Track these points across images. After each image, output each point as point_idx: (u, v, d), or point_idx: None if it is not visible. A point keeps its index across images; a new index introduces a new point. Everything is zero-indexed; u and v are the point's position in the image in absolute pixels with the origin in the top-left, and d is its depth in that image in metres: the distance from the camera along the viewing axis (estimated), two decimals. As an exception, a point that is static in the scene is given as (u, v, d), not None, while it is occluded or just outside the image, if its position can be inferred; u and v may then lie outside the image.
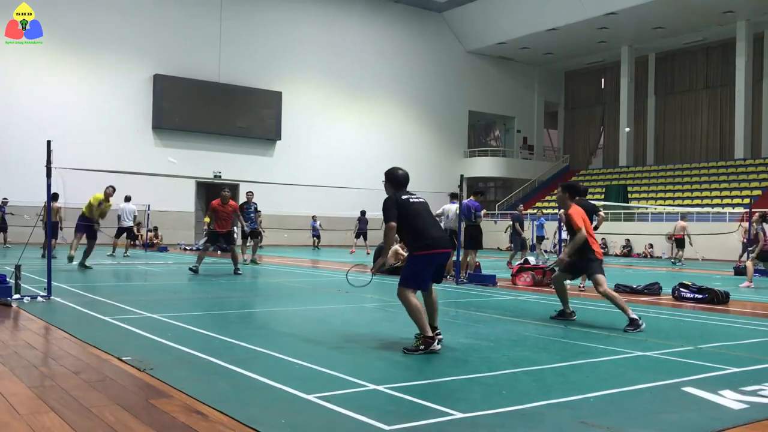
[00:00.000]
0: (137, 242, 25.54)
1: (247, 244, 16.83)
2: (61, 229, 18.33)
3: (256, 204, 16.57)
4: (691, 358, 5.37)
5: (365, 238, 24.07)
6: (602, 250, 8.93)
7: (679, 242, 22.20)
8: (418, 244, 5.63)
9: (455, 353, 5.43)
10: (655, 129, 38.21)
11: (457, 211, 12.40)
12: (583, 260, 7.10)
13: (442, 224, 11.98)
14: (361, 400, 3.86)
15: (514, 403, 3.85)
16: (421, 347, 5.34)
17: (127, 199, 19.06)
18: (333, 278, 13.43)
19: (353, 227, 25.21)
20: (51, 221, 17.13)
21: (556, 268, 8.67)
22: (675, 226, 22.44)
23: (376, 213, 25.65)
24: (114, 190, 13.98)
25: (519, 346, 5.82)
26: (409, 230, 5.69)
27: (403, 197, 5.79)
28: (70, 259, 13.60)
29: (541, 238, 21.13)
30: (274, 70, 31.53)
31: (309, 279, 13.08)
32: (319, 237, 28.25)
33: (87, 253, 13.68)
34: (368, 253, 22.50)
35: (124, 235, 18.82)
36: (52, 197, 17.27)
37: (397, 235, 5.92)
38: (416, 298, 5.54)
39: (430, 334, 5.41)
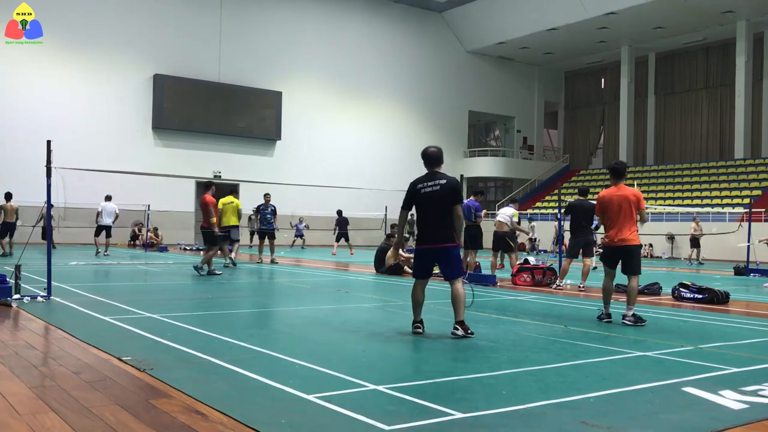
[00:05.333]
0: (137, 242, 25.60)
1: (265, 244, 16.98)
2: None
3: (273, 206, 16.68)
4: (691, 358, 5.36)
5: (347, 239, 23.10)
6: (600, 251, 9.04)
7: (695, 242, 23.03)
8: (418, 237, 6.18)
9: (455, 353, 5.44)
10: (655, 129, 38.19)
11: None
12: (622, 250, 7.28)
13: None
14: (361, 400, 3.86)
15: (514, 403, 3.85)
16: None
17: (108, 198, 19.07)
18: (333, 278, 13.44)
19: (332, 228, 24.04)
20: (9, 222, 17.29)
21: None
22: (692, 228, 23.23)
23: (356, 212, 25.21)
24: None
25: (519, 346, 5.81)
26: (417, 220, 6.17)
27: (419, 185, 6.07)
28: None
29: None
30: (274, 70, 31.51)
31: (309, 279, 13.08)
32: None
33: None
34: (351, 254, 22.41)
35: (104, 233, 18.84)
36: (6, 196, 17.37)
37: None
38: (417, 289, 6.18)
39: (415, 320, 6.17)
